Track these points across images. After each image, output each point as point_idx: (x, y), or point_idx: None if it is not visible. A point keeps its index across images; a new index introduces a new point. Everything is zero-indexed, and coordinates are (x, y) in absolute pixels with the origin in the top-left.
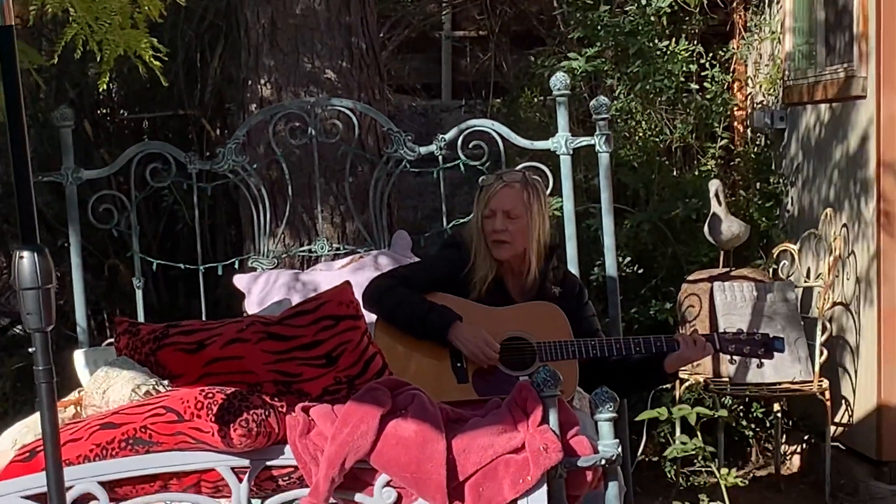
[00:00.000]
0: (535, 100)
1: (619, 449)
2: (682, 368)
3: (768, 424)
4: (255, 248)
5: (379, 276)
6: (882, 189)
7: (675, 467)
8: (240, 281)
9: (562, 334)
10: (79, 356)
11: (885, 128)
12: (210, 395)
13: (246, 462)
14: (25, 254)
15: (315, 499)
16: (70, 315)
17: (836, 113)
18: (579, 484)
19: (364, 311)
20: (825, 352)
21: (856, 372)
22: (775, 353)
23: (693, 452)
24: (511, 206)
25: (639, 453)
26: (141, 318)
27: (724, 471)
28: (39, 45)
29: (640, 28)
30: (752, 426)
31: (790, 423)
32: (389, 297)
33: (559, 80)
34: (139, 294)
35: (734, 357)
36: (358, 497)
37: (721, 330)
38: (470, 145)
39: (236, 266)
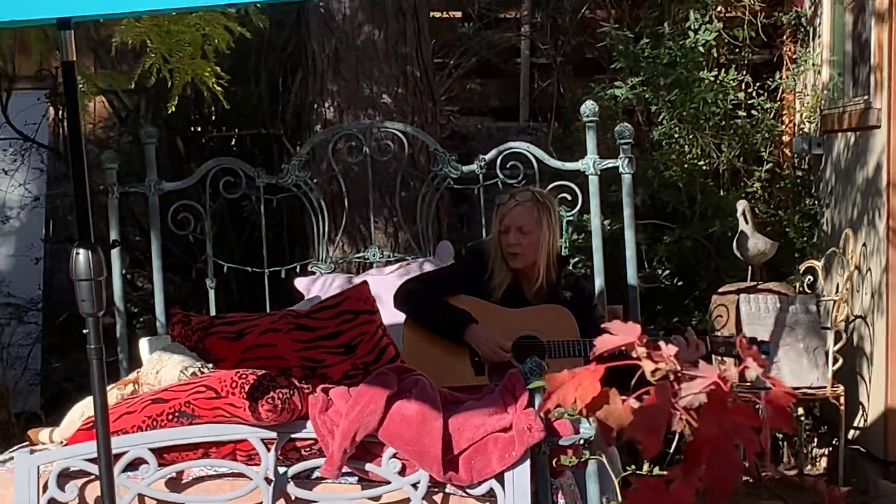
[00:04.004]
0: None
1: None
2: None
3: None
4: (316, 254)
5: (408, 280)
6: (891, 208)
7: None
8: (300, 283)
9: (570, 334)
10: (143, 343)
11: (894, 154)
12: (244, 376)
13: (273, 434)
14: (81, 251)
15: (330, 467)
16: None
17: (859, 140)
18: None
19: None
20: (840, 359)
21: (870, 379)
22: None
23: None
24: (523, 222)
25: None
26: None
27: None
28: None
29: (678, 60)
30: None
31: (824, 427)
32: (415, 299)
33: (588, 108)
34: (211, 293)
35: (724, 357)
36: (368, 466)
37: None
38: (508, 165)
39: (297, 270)
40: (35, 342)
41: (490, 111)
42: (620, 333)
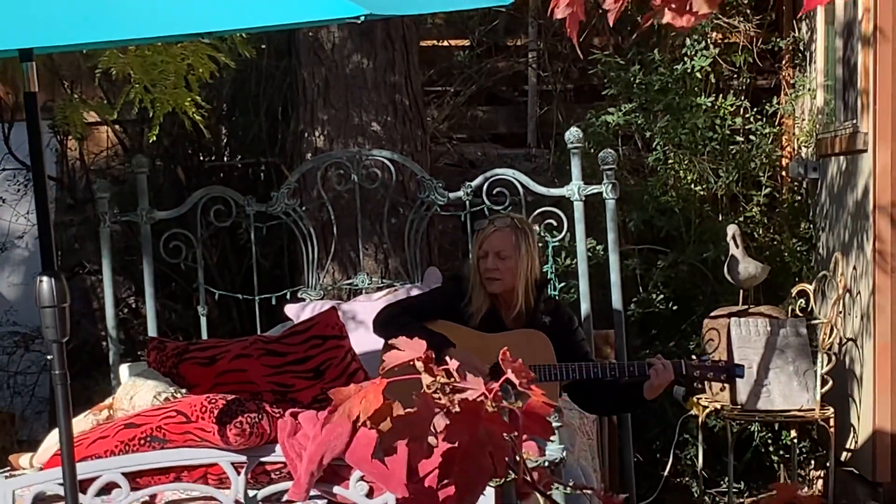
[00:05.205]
0: (591, 150)
1: (564, 453)
2: (704, 396)
3: (798, 451)
4: (306, 281)
5: (387, 305)
6: (878, 231)
7: (700, 486)
8: (290, 310)
9: (546, 359)
10: (123, 369)
11: (880, 177)
12: (213, 400)
13: (243, 458)
14: (44, 278)
15: (298, 489)
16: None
17: (849, 164)
18: (527, 482)
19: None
20: (830, 382)
21: (860, 400)
22: (737, 379)
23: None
24: (501, 247)
25: (666, 471)
26: None
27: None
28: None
29: (668, 86)
30: (781, 452)
31: (821, 450)
32: (393, 323)
33: (572, 135)
34: (203, 321)
35: (699, 381)
36: (336, 489)
37: (716, 359)
38: (494, 192)
39: (288, 297)
40: (42, 370)
41: (499, 138)
42: (406, 349)
